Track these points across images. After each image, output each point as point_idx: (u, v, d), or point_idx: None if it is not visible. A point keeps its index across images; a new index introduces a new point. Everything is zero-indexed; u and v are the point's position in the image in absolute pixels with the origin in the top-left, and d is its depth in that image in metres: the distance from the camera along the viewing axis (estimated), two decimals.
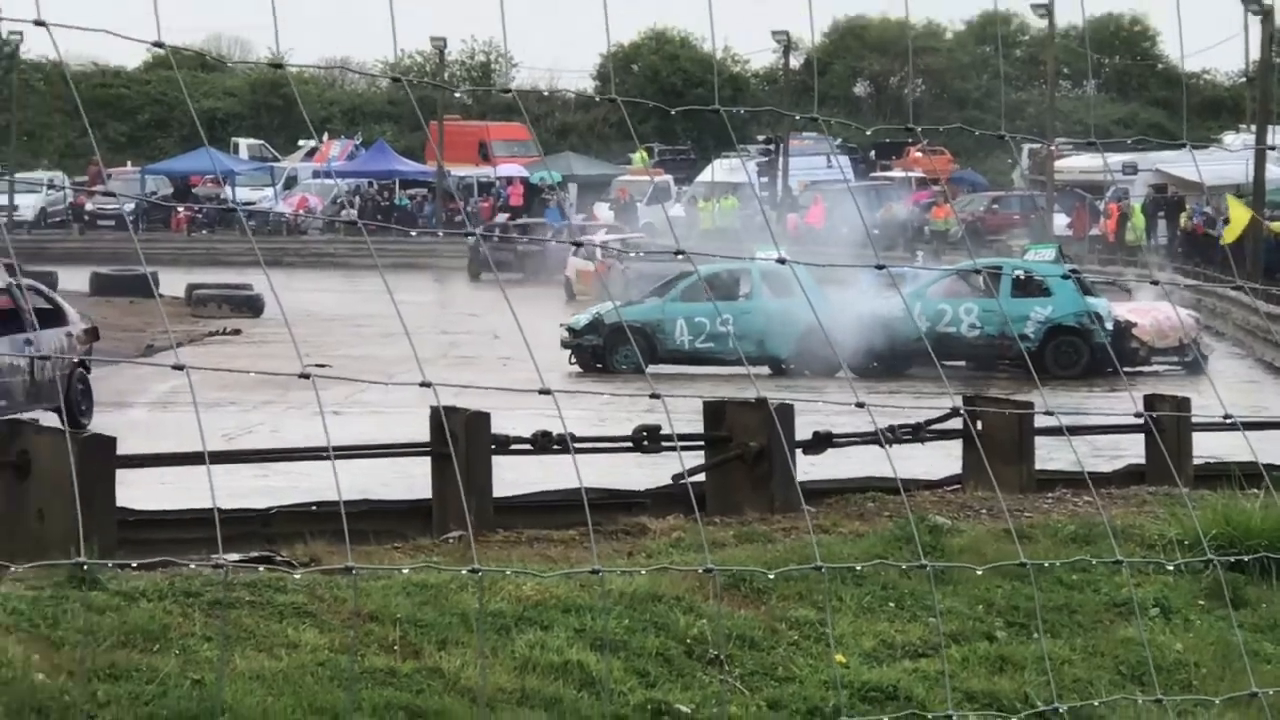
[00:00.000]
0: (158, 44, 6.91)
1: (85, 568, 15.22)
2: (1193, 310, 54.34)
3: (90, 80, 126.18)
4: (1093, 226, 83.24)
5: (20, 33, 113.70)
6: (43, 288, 44.86)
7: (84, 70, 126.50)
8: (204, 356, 52.02)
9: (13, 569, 15.14)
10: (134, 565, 16.54)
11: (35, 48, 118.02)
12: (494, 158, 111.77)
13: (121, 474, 20.07)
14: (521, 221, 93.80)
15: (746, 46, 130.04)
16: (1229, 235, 59.81)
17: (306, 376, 7.13)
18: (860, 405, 11.81)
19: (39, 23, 6.49)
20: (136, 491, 21.25)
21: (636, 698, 14.97)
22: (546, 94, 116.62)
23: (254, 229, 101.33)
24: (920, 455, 24.58)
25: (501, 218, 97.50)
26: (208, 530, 19.24)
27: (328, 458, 19.08)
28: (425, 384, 6.82)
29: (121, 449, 20.43)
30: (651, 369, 46.03)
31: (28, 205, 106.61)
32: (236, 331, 61.42)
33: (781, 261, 16.52)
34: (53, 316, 39.30)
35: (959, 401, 26.62)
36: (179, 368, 7.34)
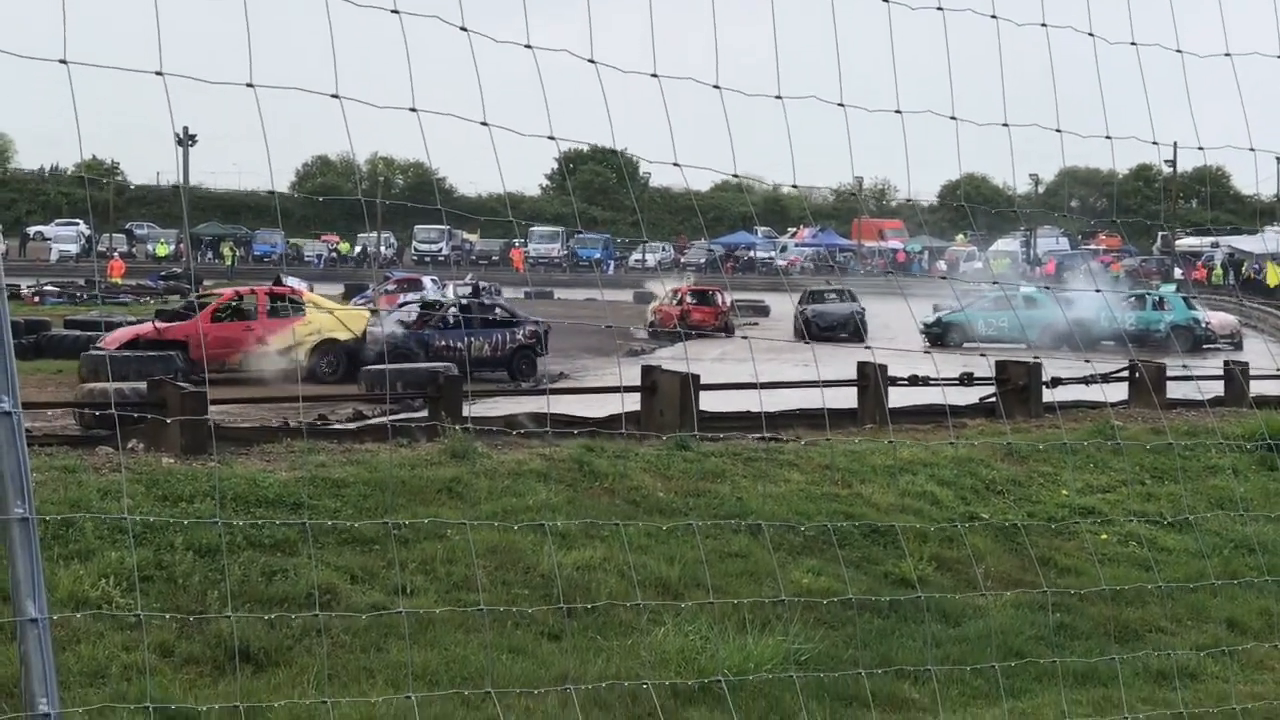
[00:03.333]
0: (735, 176, 6.66)
1: (683, 441, 16.54)
2: (1240, 316, 58.74)
3: (680, 193, 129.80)
4: (1194, 275, 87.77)
5: (650, 172, 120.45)
6: (506, 305, 44.90)
7: (678, 190, 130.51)
8: (745, 334, 47.49)
9: (647, 440, 16.95)
10: (705, 438, 17.29)
11: (656, 178, 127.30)
12: (886, 237, 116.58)
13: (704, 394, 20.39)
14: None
15: (1012, 180, 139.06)
16: (1272, 281, 65.12)
17: (807, 343, 7.87)
18: (1087, 361, 13.85)
19: (676, 164, 6.17)
20: (708, 401, 20.97)
21: (959, 510, 15.45)
22: (911, 203, 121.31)
23: (764, 272, 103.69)
24: (1105, 390, 23.20)
25: None
26: (742, 422, 19.92)
27: (815, 386, 19.74)
28: (867, 347, 8.18)
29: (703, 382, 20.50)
30: (967, 344, 46.72)
31: (653, 260, 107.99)
32: (755, 324, 61.53)
33: (1046, 289, 19.36)
34: (510, 323, 39.87)
35: (1127, 361, 24.82)
36: (744, 338, 9.23)
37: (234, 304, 38.52)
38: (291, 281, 48.84)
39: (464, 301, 43.32)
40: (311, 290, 47.64)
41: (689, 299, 58.71)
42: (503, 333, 39.63)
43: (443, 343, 38.36)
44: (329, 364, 36.62)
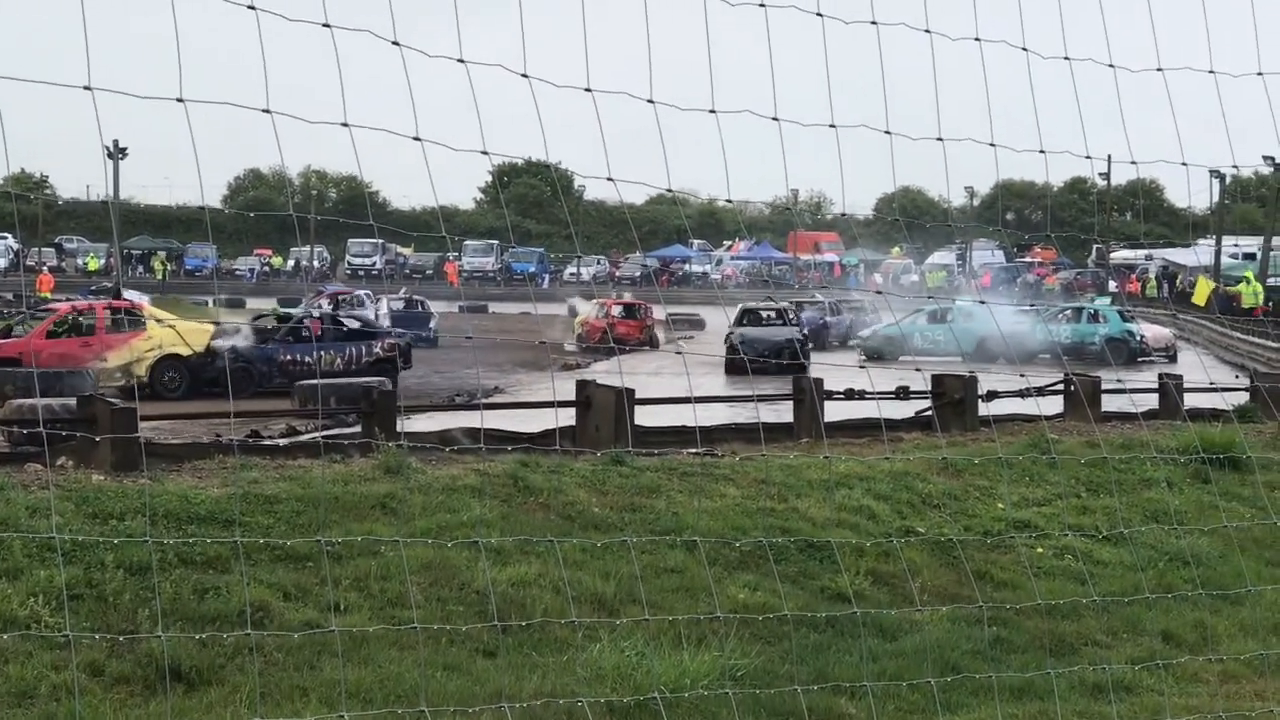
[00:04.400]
0: (669, 190, 6.62)
1: (618, 456, 16.41)
2: (1174, 329, 59.12)
3: (615, 207, 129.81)
4: (1128, 288, 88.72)
5: (585, 185, 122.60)
6: (369, 320, 44.48)
7: (612, 203, 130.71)
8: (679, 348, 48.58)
9: (583, 455, 16.86)
10: (641, 453, 17.18)
11: (591, 191, 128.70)
12: (822, 250, 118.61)
13: (639, 409, 20.46)
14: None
15: (947, 194, 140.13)
16: (1199, 298, 67.15)
17: (739, 361, 8.02)
18: (1022, 375, 14.06)
19: (609, 179, 6.14)
20: (645, 416, 21.14)
21: (896, 524, 15.42)
22: (846, 216, 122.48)
23: (699, 285, 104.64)
24: (1040, 403, 23.65)
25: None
26: (678, 436, 19.97)
27: (750, 400, 19.97)
28: (804, 365, 8.37)
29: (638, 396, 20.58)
30: (903, 358, 46.04)
31: (587, 274, 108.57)
32: (690, 337, 61.16)
33: (982, 302, 19.47)
34: (367, 336, 38.96)
35: (1063, 374, 24.75)
36: (678, 352, 9.52)
37: (70, 319, 37.53)
38: (131, 295, 48.15)
39: (315, 313, 42.43)
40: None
41: (615, 313, 58.56)
42: (357, 346, 38.57)
43: (288, 357, 37.22)
44: (170, 380, 35.85)
